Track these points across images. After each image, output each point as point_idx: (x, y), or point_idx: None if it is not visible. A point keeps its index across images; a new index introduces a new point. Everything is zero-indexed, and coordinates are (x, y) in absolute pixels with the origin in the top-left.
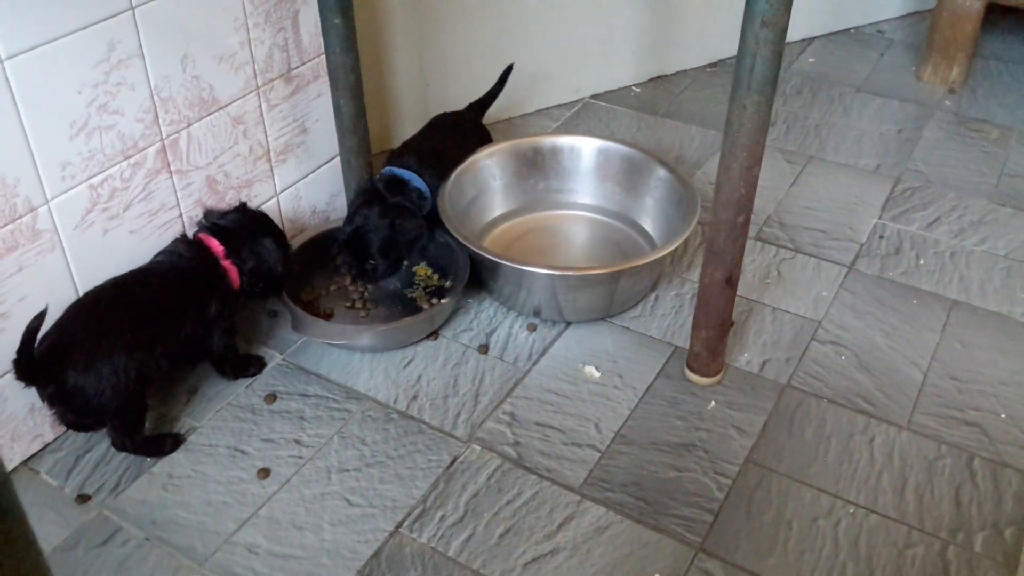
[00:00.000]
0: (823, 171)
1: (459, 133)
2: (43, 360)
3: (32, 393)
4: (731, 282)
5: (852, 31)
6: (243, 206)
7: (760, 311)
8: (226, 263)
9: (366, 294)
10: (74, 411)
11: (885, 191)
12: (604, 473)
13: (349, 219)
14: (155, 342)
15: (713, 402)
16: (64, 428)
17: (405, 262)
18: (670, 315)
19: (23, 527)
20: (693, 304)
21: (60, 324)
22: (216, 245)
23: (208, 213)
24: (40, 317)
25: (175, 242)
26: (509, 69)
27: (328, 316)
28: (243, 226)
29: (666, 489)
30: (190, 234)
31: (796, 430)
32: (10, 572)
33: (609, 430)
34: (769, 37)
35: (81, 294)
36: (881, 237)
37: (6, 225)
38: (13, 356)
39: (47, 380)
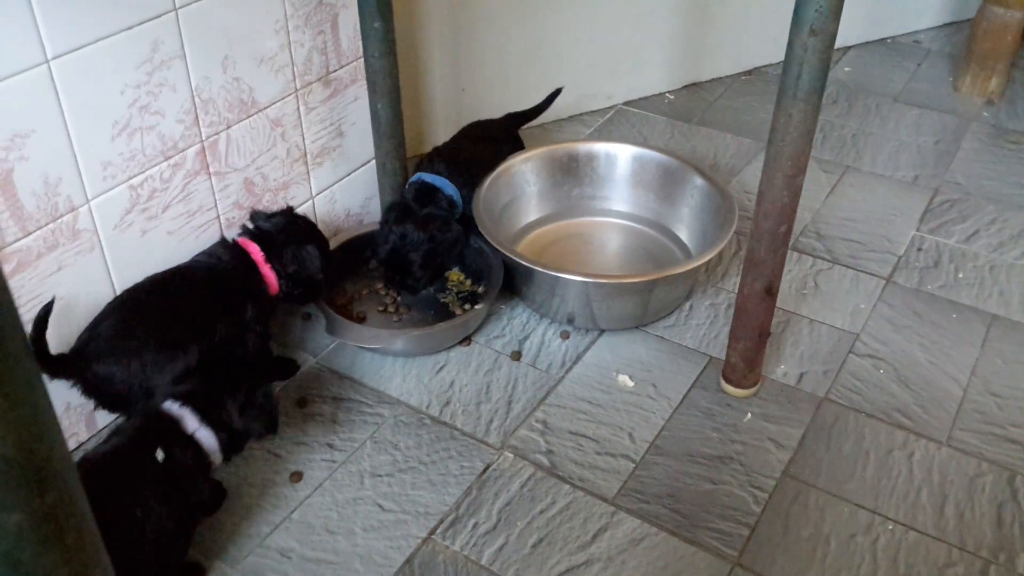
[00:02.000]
0: (860, 181)
1: (492, 141)
2: (75, 355)
3: (68, 393)
4: (771, 292)
5: (888, 41)
6: (289, 210)
7: (797, 323)
8: (265, 268)
9: (399, 299)
10: (108, 403)
11: (923, 203)
12: (638, 484)
13: (384, 236)
14: (188, 340)
15: (749, 414)
16: (99, 427)
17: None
18: (705, 325)
19: (94, 535)
20: (728, 314)
21: (97, 321)
22: (256, 250)
23: (255, 214)
24: (47, 308)
25: (215, 245)
26: (557, 92)
27: (361, 320)
28: (287, 231)
29: (702, 502)
30: (232, 236)
31: (834, 444)
32: (77, 568)
33: (643, 440)
34: (817, 45)
35: (118, 294)
36: (919, 249)
37: (47, 224)
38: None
39: (74, 374)
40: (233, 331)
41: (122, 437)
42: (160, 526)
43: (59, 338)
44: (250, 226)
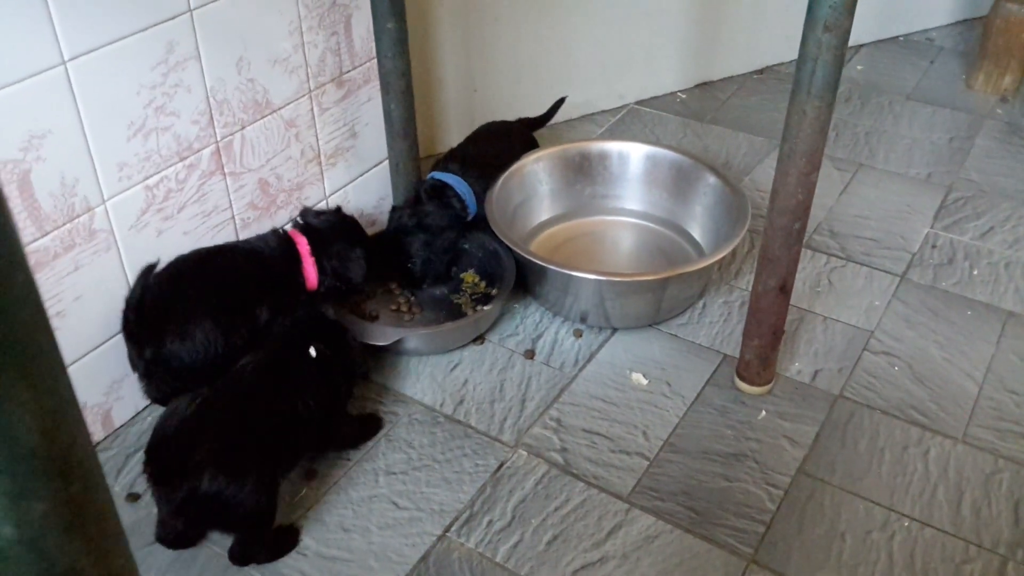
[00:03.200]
0: (873, 179)
1: (507, 142)
2: (145, 321)
3: (84, 393)
4: (785, 290)
5: (900, 39)
6: (338, 210)
7: (811, 320)
8: (308, 263)
9: (412, 298)
10: (167, 376)
11: (937, 200)
12: (653, 481)
13: (388, 226)
14: (236, 313)
15: (764, 412)
16: (116, 426)
17: (453, 268)
18: (718, 323)
19: (117, 525)
20: (741, 312)
21: (152, 290)
22: (303, 243)
23: (305, 211)
24: (150, 269)
25: (268, 232)
26: (561, 101)
27: (373, 319)
28: (336, 230)
29: (716, 499)
30: (285, 227)
31: (849, 441)
32: (104, 570)
33: (657, 438)
34: (831, 42)
35: (166, 265)
36: (933, 247)
37: (64, 224)
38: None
39: (146, 341)
40: (273, 316)
41: (275, 340)
42: (321, 403)
43: (73, 336)
44: (300, 221)
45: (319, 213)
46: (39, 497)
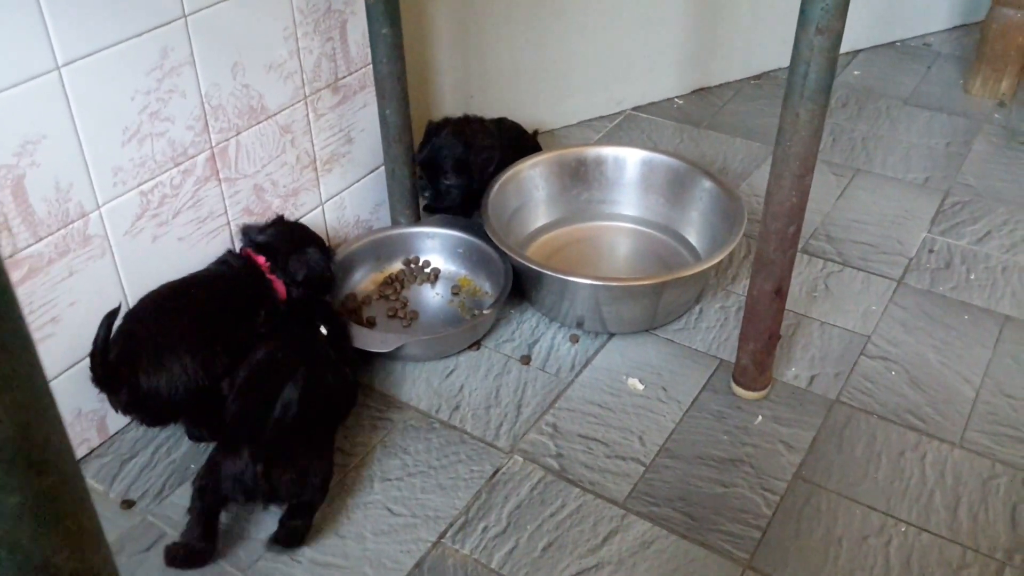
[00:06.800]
0: (870, 184)
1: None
2: (114, 366)
3: (79, 399)
4: (780, 294)
5: (898, 44)
6: (280, 219)
7: (808, 325)
8: (271, 277)
9: (408, 304)
10: (149, 414)
11: (934, 205)
12: (649, 487)
13: (426, 142)
14: (215, 342)
15: (760, 417)
16: (110, 433)
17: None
18: (715, 328)
19: (93, 520)
20: (738, 317)
21: (124, 330)
22: (262, 260)
23: (247, 229)
24: (112, 315)
25: (226, 253)
26: (535, 133)
27: (370, 325)
28: (284, 239)
29: (712, 504)
30: (236, 248)
31: (846, 446)
32: (80, 564)
33: (654, 444)
34: (824, 44)
35: (129, 300)
36: (931, 251)
37: (58, 230)
38: (88, 361)
39: (120, 385)
40: (251, 336)
41: (285, 331)
42: (336, 376)
43: (67, 342)
44: (247, 241)
45: (261, 229)
46: (12, 490)
